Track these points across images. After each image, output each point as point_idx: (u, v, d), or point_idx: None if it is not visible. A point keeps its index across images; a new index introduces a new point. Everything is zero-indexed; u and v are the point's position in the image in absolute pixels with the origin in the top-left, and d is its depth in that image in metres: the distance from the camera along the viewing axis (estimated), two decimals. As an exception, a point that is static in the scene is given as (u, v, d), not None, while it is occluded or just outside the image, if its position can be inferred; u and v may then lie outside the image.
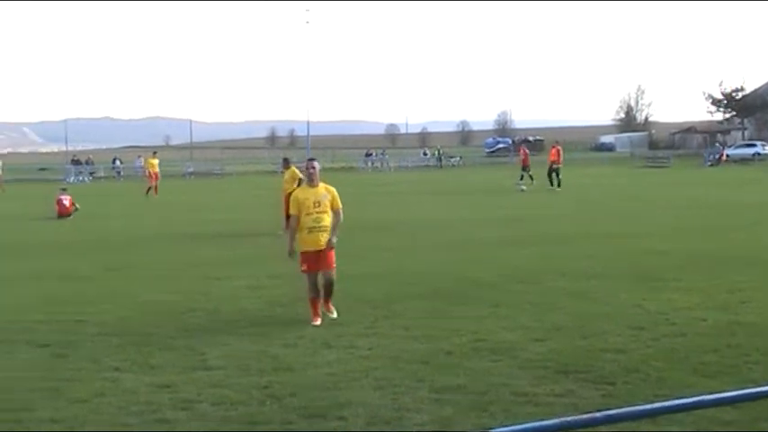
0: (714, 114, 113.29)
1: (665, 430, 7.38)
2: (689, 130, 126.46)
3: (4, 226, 30.57)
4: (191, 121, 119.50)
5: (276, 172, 62.04)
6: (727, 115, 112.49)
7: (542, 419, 4.46)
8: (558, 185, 43.47)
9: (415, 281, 16.20)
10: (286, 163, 26.94)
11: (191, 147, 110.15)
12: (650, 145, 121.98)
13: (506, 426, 4.02)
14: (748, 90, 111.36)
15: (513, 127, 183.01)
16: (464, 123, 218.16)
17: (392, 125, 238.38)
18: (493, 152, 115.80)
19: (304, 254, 12.73)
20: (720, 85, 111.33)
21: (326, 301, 12.68)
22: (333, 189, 12.95)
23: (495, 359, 10.21)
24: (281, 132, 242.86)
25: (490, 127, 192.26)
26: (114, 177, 79.15)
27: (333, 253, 12.74)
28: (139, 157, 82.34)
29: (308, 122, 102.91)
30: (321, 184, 12.92)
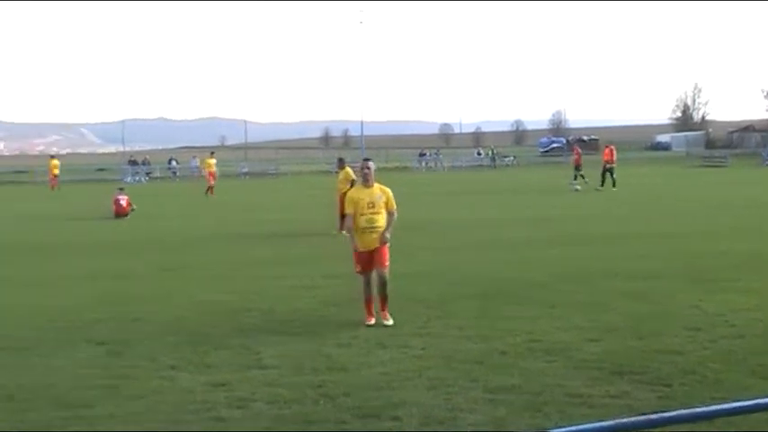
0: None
1: (723, 433, 7.29)
2: (747, 128, 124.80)
3: (63, 226, 31.02)
4: (245, 121, 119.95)
5: (330, 172, 62.32)
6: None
7: (597, 421, 4.44)
8: (613, 185, 43.24)
9: (469, 280, 16.16)
10: (341, 163, 27.01)
11: (245, 147, 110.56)
12: (707, 144, 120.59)
13: (561, 427, 4.00)
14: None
15: (567, 126, 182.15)
16: (518, 123, 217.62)
17: (446, 125, 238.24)
18: (547, 152, 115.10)
19: (357, 254, 12.73)
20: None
21: (383, 308, 12.49)
22: (388, 190, 12.89)
23: (549, 359, 10.16)
24: (335, 132, 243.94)
25: (544, 126, 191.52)
26: (170, 178, 79.96)
27: (386, 252, 12.68)
28: (195, 157, 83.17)
29: (361, 122, 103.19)
30: (376, 185, 12.87)
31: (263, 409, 8.53)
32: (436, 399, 8.70)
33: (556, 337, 11.32)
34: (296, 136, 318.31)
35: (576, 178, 46.43)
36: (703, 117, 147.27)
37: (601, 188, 43.34)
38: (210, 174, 49.21)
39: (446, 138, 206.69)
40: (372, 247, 12.58)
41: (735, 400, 4.72)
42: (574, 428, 3.79)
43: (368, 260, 12.61)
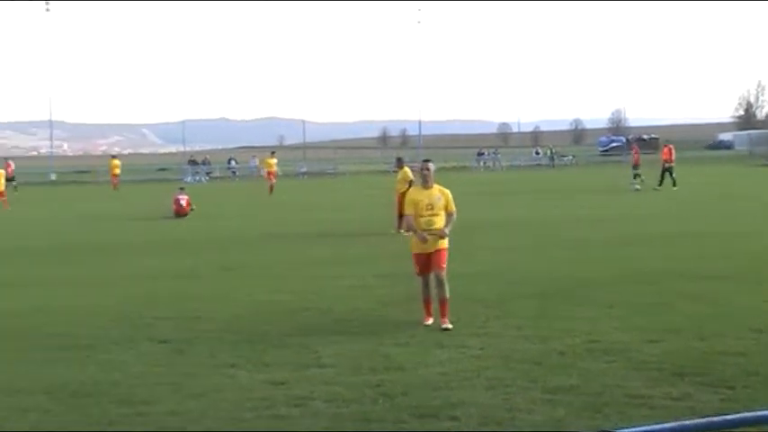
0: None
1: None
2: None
3: (125, 226, 31.44)
4: (303, 121, 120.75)
5: (388, 172, 62.41)
6: None
7: (658, 422, 4.39)
8: (674, 184, 42.79)
9: (527, 280, 16.09)
10: (399, 163, 27.02)
11: (304, 147, 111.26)
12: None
13: (621, 428, 3.98)
14: None
15: (627, 125, 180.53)
16: (577, 122, 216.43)
17: (504, 124, 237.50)
18: (606, 151, 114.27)
19: (416, 255, 12.68)
20: None
21: (442, 314, 12.24)
22: (447, 192, 12.74)
23: (608, 360, 10.07)
24: (393, 132, 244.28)
25: (604, 125, 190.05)
26: (230, 177, 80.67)
27: (445, 254, 12.56)
28: (254, 157, 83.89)
29: (419, 122, 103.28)
30: (435, 186, 12.73)
31: (322, 407, 8.57)
32: (494, 399, 8.68)
33: (615, 337, 11.22)
34: (353, 135, 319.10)
35: (635, 177, 46.05)
36: (767, 115, 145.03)
37: (659, 188, 42.92)
38: (270, 173, 49.74)
39: (504, 137, 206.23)
40: (430, 249, 12.49)
41: (799, 403, 4.65)
42: (634, 430, 3.76)
43: (426, 262, 12.55)
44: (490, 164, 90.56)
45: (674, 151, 44.78)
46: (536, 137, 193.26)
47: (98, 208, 42.09)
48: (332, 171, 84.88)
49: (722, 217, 28.62)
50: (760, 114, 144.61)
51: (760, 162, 79.89)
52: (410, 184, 23.55)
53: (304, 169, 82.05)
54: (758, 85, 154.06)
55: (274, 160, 51.22)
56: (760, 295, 13.86)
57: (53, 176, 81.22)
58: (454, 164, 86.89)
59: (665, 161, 44.24)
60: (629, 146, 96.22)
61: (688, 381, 9.13)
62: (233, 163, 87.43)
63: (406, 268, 13.38)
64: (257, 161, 79.64)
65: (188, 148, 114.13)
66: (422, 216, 12.47)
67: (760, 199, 36.31)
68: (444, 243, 12.58)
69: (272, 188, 47.89)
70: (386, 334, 11.82)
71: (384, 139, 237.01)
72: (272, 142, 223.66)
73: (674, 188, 42.22)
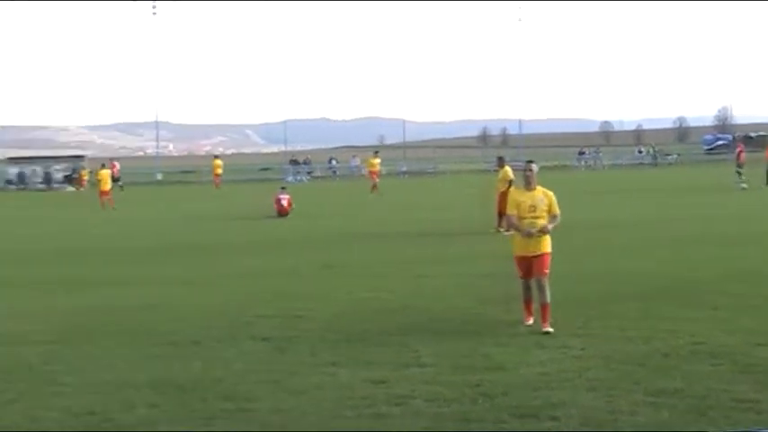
0: None
1: None
2: None
3: (227, 225, 32.01)
4: (404, 120, 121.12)
5: (489, 171, 62.13)
6: None
7: (766, 428, 4.31)
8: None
9: (629, 280, 15.88)
10: (500, 161, 26.96)
11: (404, 146, 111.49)
12: None
13: (726, 432, 3.92)
14: None
15: (734, 123, 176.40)
16: (681, 120, 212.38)
17: (606, 122, 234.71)
18: (712, 149, 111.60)
19: (518, 259, 12.52)
20: None
21: (543, 319, 12.00)
22: (551, 193, 12.54)
23: (714, 363, 9.87)
24: (493, 131, 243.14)
25: (709, 123, 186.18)
26: (330, 177, 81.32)
27: (547, 259, 12.35)
28: (355, 156, 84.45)
29: (519, 121, 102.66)
30: (539, 188, 12.54)
31: (422, 406, 8.59)
32: (596, 400, 8.59)
33: (720, 339, 10.99)
34: (453, 135, 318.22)
35: (740, 176, 45.04)
36: None
37: (765, 186, 41.90)
38: (373, 172, 50.18)
39: (606, 135, 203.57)
40: (532, 252, 12.31)
41: None
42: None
43: (528, 267, 12.35)
44: (591, 163, 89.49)
45: None
46: (638, 135, 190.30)
47: (202, 208, 42.90)
48: (432, 170, 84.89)
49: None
50: None
51: None
52: (510, 183, 23.43)
53: (404, 168, 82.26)
54: None
55: (378, 160, 51.77)
56: None
57: (159, 176, 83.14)
58: (555, 163, 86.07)
59: (769, 160, 43.27)
60: (735, 144, 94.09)
61: (797, 385, 8.89)
62: (333, 162, 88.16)
63: (505, 268, 13.31)
64: (358, 161, 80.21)
65: (289, 148, 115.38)
66: (524, 218, 12.29)
67: None
68: (547, 247, 12.39)
69: (374, 187, 48.15)
70: (486, 333, 11.80)
71: (484, 138, 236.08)
72: (372, 142, 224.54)
73: None
